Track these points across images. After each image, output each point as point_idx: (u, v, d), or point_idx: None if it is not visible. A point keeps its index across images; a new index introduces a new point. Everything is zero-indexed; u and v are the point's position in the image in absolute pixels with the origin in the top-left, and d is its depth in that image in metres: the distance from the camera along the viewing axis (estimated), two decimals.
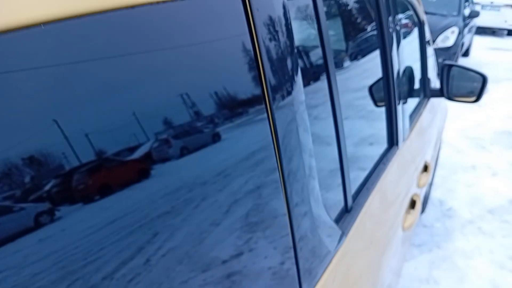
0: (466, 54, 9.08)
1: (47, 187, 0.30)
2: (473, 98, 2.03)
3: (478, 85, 2.02)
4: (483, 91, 2.01)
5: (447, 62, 2.15)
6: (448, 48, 6.81)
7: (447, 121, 4.94)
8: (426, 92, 2.06)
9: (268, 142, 0.52)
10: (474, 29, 8.91)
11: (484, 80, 1.99)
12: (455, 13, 7.39)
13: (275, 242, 0.54)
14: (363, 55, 1.17)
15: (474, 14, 7.79)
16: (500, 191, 3.40)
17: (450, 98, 2.09)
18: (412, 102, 1.83)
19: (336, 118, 0.81)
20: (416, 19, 1.91)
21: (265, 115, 0.51)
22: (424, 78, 2.03)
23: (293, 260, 0.58)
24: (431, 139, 2.02)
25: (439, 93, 2.10)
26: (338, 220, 0.82)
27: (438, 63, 2.34)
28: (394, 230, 1.15)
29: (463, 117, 5.24)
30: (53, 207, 0.30)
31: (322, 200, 0.70)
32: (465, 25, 7.53)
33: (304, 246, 0.61)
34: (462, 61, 8.49)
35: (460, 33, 7.06)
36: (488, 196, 3.31)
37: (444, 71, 2.09)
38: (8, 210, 0.29)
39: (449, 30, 6.86)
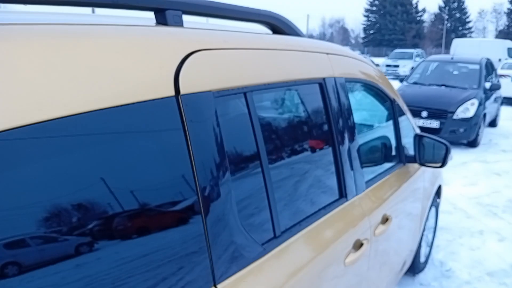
0: (493, 124, 9.20)
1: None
2: (439, 164, 2.35)
3: (443, 152, 2.35)
4: (447, 158, 2.33)
5: (418, 133, 2.51)
6: (469, 119, 7.07)
7: (460, 188, 5.10)
8: (401, 158, 2.39)
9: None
10: (500, 100, 9.11)
11: (446, 148, 2.32)
12: (475, 86, 7.72)
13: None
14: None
15: (495, 87, 8.07)
16: (504, 256, 3.50)
17: (422, 163, 2.42)
18: (381, 165, 2.18)
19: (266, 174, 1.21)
20: (386, 98, 2.32)
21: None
22: (398, 147, 2.38)
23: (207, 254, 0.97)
24: (403, 197, 2.31)
25: (413, 159, 2.43)
26: (264, 241, 1.19)
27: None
28: (328, 263, 1.46)
29: (479, 185, 5.37)
30: None
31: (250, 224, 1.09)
32: (487, 97, 7.80)
33: (218, 245, 0.99)
34: (489, 131, 8.61)
35: (481, 104, 7.33)
36: (490, 260, 3.42)
37: (416, 140, 2.44)
38: None
39: (469, 102, 7.16)
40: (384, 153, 2.25)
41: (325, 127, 1.62)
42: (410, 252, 2.64)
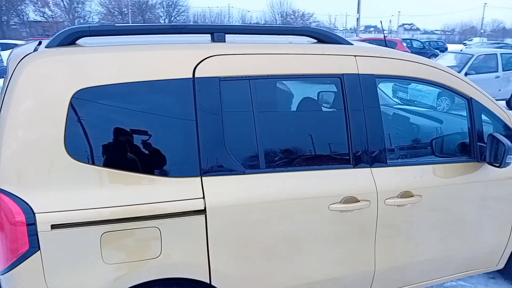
0: None
1: None
2: (498, 164, 2.35)
3: (501, 152, 2.33)
4: (504, 158, 2.31)
5: (491, 132, 2.49)
6: None
7: None
8: (475, 155, 2.46)
9: None
10: None
11: (505, 149, 2.29)
12: None
13: None
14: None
15: None
16: None
17: (484, 161, 2.44)
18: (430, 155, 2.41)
19: None
20: (457, 96, 2.48)
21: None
22: (471, 144, 2.48)
23: None
24: (464, 189, 2.42)
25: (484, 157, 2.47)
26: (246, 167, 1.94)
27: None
28: (307, 203, 2.04)
29: None
30: None
31: None
32: None
33: (207, 158, 1.87)
34: None
35: None
36: None
37: (487, 139, 2.45)
38: None
39: None
40: (439, 146, 2.46)
41: (339, 103, 2.15)
42: (489, 251, 2.66)
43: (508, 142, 2.29)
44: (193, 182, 1.87)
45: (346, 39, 2.34)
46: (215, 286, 1.98)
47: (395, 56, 2.30)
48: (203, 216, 1.87)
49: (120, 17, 47.01)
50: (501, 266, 2.80)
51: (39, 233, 1.67)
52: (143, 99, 1.84)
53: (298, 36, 2.30)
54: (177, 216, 1.84)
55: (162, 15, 54.37)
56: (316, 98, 2.43)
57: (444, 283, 3.02)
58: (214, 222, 1.89)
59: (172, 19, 54.51)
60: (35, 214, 1.67)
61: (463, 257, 2.61)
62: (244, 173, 1.96)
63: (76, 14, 45.04)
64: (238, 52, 1.97)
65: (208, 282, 1.96)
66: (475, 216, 2.51)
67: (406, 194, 2.25)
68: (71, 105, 1.71)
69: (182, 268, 1.90)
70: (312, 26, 2.31)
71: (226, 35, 2.06)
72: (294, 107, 2.23)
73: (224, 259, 1.96)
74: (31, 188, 1.68)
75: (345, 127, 2.15)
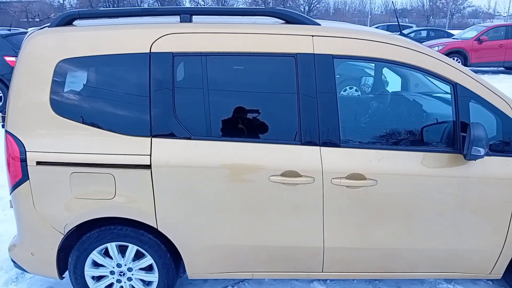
0: None
1: None
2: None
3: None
4: (469, 149, 2.09)
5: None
6: None
7: None
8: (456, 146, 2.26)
9: None
10: None
11: (469, 140, 2.07)
12: None
13: None
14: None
15: None
16: None
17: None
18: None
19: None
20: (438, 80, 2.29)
21: None
22: (453, 133, 2.27)
23: None
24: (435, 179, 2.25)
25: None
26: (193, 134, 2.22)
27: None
28: (247, 172, 2.20)
29: None
30: None
31: None
32: None
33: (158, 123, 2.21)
34: None
35: None
36: None
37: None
38: None
39: None
40: (405, 132, 2.32)
41: (293, 81, 2.23)
42: (475, 255, 2.42)
43: (479, 133, 2.08)
44: (144, 141, 2.23)
45: (318, 20, 2.37)
46: (162, 231, 2.33)
47: (360, 36, 2.27)
48: (149, 171, 2.22)
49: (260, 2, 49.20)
50: (497, 275, 2.50)
51: (28, 167, 2.24)
52: (110, 69, 2.26)
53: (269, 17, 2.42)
54: (128, 167, 2.23)
55: (303, 2, 55.25)
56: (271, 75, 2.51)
57: (438, 285, 2.81)
58: (158, 177, 2.23)
59: (312, 6, 55.01)
60: (26, 152, 2.24)
61: (440, 256, 2.43)
62: (190, 138, 2.24)
63: None
64: (193, 31, 2.24)
65: (156, 227, 2.31)
66: (451, 214, 2.32)
67: (357, 177, 2.24)
68: (55, 72, 2.22)
69: (133, 212, 2.30)
70: (279, 8, 2.40)
71: (194, 16, 2.34)
72: (249, 84, 2.39)
73: (168, 210, 2.28)
74: (26, 133, 2.25)
75: (296, 106, 2.24)
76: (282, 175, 2.23)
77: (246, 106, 2.31)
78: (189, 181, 2.25)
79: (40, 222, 2.33)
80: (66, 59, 2.23)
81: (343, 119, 2.28)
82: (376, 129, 2.39)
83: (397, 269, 2.50)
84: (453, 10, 51.34)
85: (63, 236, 2.33)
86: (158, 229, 2.32)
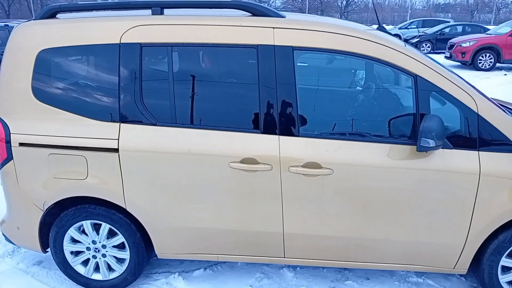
0: None
1: None
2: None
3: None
4: (419, 141, 2.11)
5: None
6: None
7: None
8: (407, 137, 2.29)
9: None
10: None
11: (420, 132, 2.09)
12: None
13: None
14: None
15: None
16: None
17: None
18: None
19: None
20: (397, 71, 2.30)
21: None
22: (411, 124, 2.28)
23: None
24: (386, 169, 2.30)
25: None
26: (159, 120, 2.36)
27: None
28: (208, 159, 2.31)
29: None
30: None
31: None
32: None
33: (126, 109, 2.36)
34: None
35: None
36: None
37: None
38: None
39: None
40: (359, 123, 2.34)
41: (254, 72, 2.31)
42: (437, 249, 2.42)
43: (429, 125, 2.09)
44: (113, 127, 2.39)
45: (280, 12, 2.44)
46: (130, 212, 2.49)
47: (320, 28, 2.31)
48: (116, 154, 2.38)
49: None
50: (462, 270, 2.48)
51: (12, 148, 2.46)
52: (85, 58, 2.43)
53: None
54: (98, 150, 2.39)
55: None
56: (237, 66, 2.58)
57: (408, 279, 2.81)
58: (125, 160, 2.38)
59: (350, 1, 54.08)
60: (11, 134, 2.45)
61: (402, 248, 2.44)
62: (155, 125, 2.38)
63: None
64: (160, 23, 2.37)
65: (125, 207, 2.47)
66: (410, 206, 2.33)
67: (313, 165, 2.29)
68: (36, 61, 2.42)
69: (104, 192, 2.46)
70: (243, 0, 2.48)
71: (169, 9, 2.47)
72: (213, 74, 2.49)
73: (135, 192, 2.43)
74: (11, 117, 2.46)
75: (257, 96, 2.32)
76: (241, 162, 2.33)
77: (210, 95, 2.41)
78: (154, 166, 2.39)
79: (23, 198, 2.54)
80: (46, 49, 2.41)
81: (303, 110, 2.34)
82: (334, 120, 2.42)
83: (361, 259, 2.53)
84: (499, 5, 48.77)
85: (43, 212, 2.54)
86: (127, 209, 2.48)
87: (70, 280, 2.74)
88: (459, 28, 17.67)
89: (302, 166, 2.30)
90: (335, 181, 2.32)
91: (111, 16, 2.49)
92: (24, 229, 2.63)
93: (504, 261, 2.44)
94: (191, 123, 2.39)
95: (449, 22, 21.50)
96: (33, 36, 2.44)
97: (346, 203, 2.36)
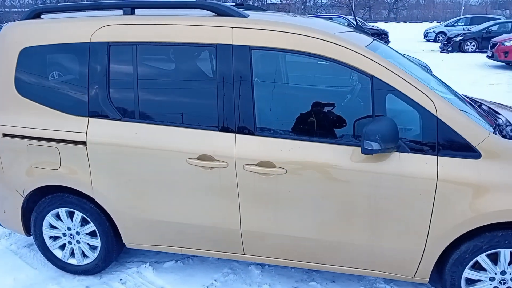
0: None
1: None
2: None
3: None
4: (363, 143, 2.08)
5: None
6: None
7: None
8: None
9: None
10: None
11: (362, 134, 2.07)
12: None
13: None
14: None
15: None
16: None
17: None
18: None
19: None
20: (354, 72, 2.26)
21: None
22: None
23: None
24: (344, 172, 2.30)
25: None
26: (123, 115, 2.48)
27: None
28: (166, 154, 2.38)
29: None
30: None
31: None
32: None
33: (94, 103, 2.49)
34: None
35: None
36: None
37: None
38: None
39: None
40: (310, 123, 2.32)
41: (213, 71, 2.36)
42: (395, 256, 2.36)
43: (372, 127, 2.06)
44: (82, 121, 2.53)
45: (242, 11, 2.46)
46: (98, 202, 2.62)
47: (278, 28, 2.31)
48: (84, 147, 2.52)
49: None
50: (423, 279, 2.41)
51: None
52: (60, 56, 2.59)
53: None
54: (69, 143, 2.55)
55: None
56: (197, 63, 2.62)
57: (376, 284, 2.75)
58: (92, 153, 2.52)
59: None
60: None
61: (360, 251, 2.40)
62: (120, 120, 2.49)
63: None
64: (127, 22, 2.47)
65: (93, 197, 2.61)
66: (364, 209, 2.29)
67: (267, 164, 2.31)
68: (18, 58, 2.61)
69: (75, 182, 2.61)
70: (207, 0, 2.53)
71: (137, 9, 2.57)
72: (175, 72, 2.55)
73: (102, 183, 2.56)
74: None
75: (215, 94, 2.37)
76: (198, 158, 2.39)
77: (170, 93, 2.49)
78: (118, 159, 2.50)
79: (8, 185, 2.75)
80: (27, 47, 2.59)
81: (260, 109, 2.36)
82: (291, 120, 2.41)
83: (321, 261, 2.51)
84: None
85: (23, 198, 2.73)
86: (95, 199, 2.62)
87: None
88: (508, 26, 16.61)
89: (256, 165, 2.33)
90: (289, 181, 2.32)
91: (86, 16, 2.63)
92: (9, 213, 2.85)
93: (468, 273, 2.33)
94: (153, 119, 2.48)
95: (500, 19, 20.26)
96: (17, 35, 2.62)
97: (300, 204, 2.35)
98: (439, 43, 19.27)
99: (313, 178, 2.30)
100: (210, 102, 2.39)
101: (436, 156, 2.19)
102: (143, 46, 2.46)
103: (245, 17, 2.41)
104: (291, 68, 2.59)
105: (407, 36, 26.96)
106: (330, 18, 16.85)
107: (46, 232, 2.84)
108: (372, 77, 2.22)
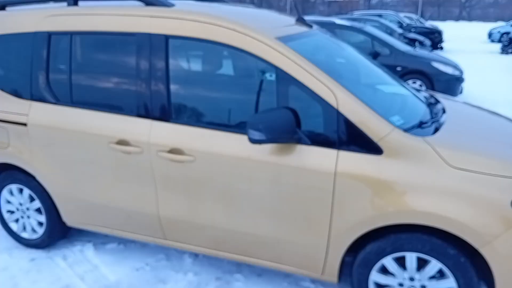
0: None
1: None
2: None
3: None
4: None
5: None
6: None
7: None
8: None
9: None
10: None
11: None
12: None
13: None
14: None
15: None
16: None
17: None
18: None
19: None
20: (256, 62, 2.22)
21: None
22: None
23: None
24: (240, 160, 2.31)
25: None
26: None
27: None
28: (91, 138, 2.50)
29: None
30: None
31: None
32: None
33: None
34: None
35: None
36: None
37: None
38: None
39: None
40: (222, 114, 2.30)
41: (134, 59, 2.44)
42: (300, 251, 2.29)
43: (259, 117, 2.03)
44: (26, 104, 2.74)
45: (169, 1, 2.51)
46: (39, 180, 2.82)
47: (191, 17, 2.34)
48: (26, 128, 2.72)
49: None
50: (331, 277, 2.31)
51: None
52: (12, 45, 2.81)
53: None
54: (14, 124, 2.76)
55: None
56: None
57: (300, 282, 2.67)
58: (32, 134, 2.71)
59: None
60: None
61: (267, 244, 2.36)
62: (57, 104, 2.66)
63: None
64: (66, 13, 2.63)
65: (35, 176, 2.81)
66: (266, 201, 2.25)
67: (177, 151, 2.35)
68: None
69: (20, 161, 2.83)
70: None
71: (80, 0, 2.73)
72: (102, 60, 2.65)
73: (41, 163, 2.75)
74: None
75: (135, 81, 2.45)
76: (117, 143, 2.48)
77: (97, 79, 2.61)
78: (54, 141, 2.67)
79: None
80: None
81: (175, 96, 2.40)
82: (202, 108, 2.41)
83: (236, 251, 2.50)
84: None
85: None
86: (36, 178, 2.81)
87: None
88: None
89: (168, 152, 2.37)
90: (198, 169, 2.34)
91: (37, 8, 2.83)
92: None
93: (376, 277, 2.21)
94: (82, 104, 2.61)
95: None
96: None
97: (209, 192, 2.36)
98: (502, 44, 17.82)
99: (219, 167, 2.30)
100: (129, 89, 2.48)
101: (336, 150, 2.10)
102: (77, 36, 2.60)
103: (168, 7, 2.46)
104: (208, 57, 2.59)
105: (471, 36, 25.26)
106: (380, 15, 16.30)
107: (4, 207, 3.09)
108: (277, 68, 2.17)
